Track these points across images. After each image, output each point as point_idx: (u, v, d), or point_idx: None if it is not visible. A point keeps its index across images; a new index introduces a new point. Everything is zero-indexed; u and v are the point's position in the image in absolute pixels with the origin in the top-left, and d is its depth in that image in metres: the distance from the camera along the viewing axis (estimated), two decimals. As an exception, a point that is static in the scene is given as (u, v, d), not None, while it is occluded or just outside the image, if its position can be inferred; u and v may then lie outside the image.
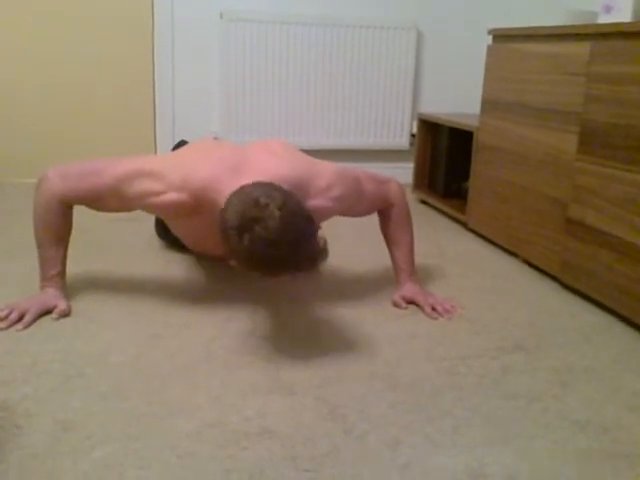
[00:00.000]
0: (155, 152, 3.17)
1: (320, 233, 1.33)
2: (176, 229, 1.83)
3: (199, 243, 1.84)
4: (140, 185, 1.52)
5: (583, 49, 1.87)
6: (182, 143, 2.39)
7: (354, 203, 1.69)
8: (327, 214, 1.64)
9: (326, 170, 1.62)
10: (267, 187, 1.33)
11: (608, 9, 1.98)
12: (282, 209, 1.26)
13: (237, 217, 1.27)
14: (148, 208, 1.57)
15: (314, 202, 1.57)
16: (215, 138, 2.75)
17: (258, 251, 1.25)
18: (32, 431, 1.12)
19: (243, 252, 1.27)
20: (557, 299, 1.91)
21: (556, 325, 1.71)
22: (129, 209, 1.60)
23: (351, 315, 1.70)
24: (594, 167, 1.83)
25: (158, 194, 1.51)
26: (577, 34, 1.94)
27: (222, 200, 1.45)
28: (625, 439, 1.20)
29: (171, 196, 1.51)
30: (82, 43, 3.01)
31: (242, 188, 1.35)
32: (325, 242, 1.34)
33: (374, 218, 1.84)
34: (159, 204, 1.53)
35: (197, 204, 1.51)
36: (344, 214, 1.73)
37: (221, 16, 3.02)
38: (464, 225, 2.66)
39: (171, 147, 2.52)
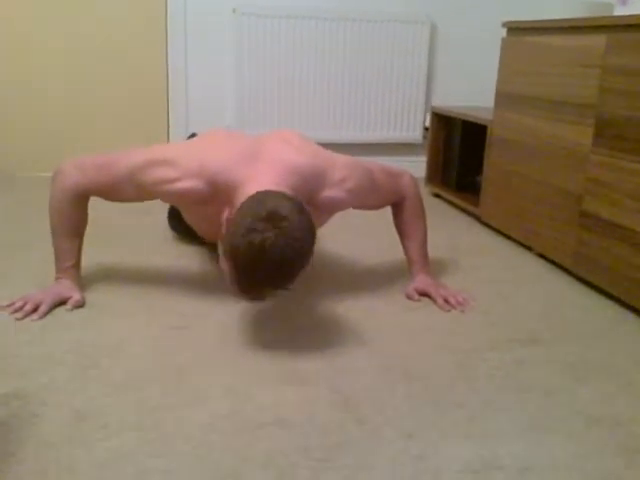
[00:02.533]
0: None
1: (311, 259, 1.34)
2: (190, 218, 1.84)
3: (213, 232, 1.84)
4: (155, 173, 1.53)
5: (598, 41, 1.86)
6: (194, 136, 2.40)
7: (367, 195, 1.69)
8: (341, 206, 1.64)
9: (340, 162, 1.62)
10: (287, 204, 1.30)
11: (624, 1, 1.97)
12: (288, 234, 1.26)
13: (245, 224, 1.27)
14: (164, 196, 1.58)
15: (328, 193, 1.58)
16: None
17: (248, 256, 1.26)
18: (48, 420, 1.14)
19: (236, 255, 1.28)
20: (571, 292, 1.90)
21: (570, 318, 1.70)
22: (145, 198, 1.61)
23: (364, 307, 1.70)
24: (609, 160, 1.81)
25: (173, 181, 1.52)
26: (592, 26, 1.93)
27: (237, 188, 1.46)
28: (639, 433, 1.19)
29: (186, 183, 1.51)
30: (96, 38, 3.02)
31: (261, 197, 1.33)
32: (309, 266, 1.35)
33: (386, 210, 1.83)
34: (175, 191, 1.53)
35: (212, 191, 1.51)
36: (357, 206, 1.73)
37: (234, 10, 3.02)
38: (477, 218, 2.65)
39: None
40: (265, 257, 1.25)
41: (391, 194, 1.76)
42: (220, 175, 1.49)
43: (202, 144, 1.62)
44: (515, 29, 2.36)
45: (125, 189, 1.58)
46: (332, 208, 1.64)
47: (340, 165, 1.61)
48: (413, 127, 3.38)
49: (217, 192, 1.50)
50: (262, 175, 1.45)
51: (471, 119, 2.69)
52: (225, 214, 1.46)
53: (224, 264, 1.37)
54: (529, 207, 2.23)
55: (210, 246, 2.09)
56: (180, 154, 1.55)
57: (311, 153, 1.59)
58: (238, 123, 3.13)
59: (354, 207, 1.71)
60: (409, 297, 1.77)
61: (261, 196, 1.33)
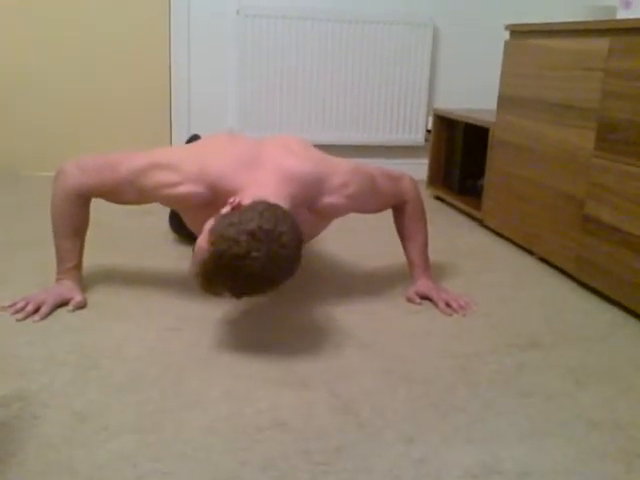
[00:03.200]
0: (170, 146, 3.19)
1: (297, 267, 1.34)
2: (191, 223, 1.84)
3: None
4: (156, 177, 1.53)
5: (601, 45, 1.86)
6: (195, 137, 2.40)
7: (368, 200, 1.69)
8: (341, 211, 1.65)
9: (341, 167, 1.62)
10: (273, 220, 1.29)
11: (627, 4, 1.97)
12: (269, 254, 1.26)
13: (222, 246, 1.26)
14: (164, 200, 1.58)
15: (329, 199, 1.58)
16: (230, 132, 2.76)
17: (217, 265, 1.27)
18: (48, 422, 1.14)
19: (205, 258, 1.29)
20: (572, 296, 1.89)
21: (571, 323, 1.70)
22: (146, 201, 1.61)
23: (365, 310, 1.70)
24: (611, 164, 1.81)
25: (174, 185, 1.52)
26: (595, 29, 1.92)
27: (237, 194, 1.46)
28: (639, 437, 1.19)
29: (187, 187, 1.51)
30: (99, 38, 3.03)
31: (247, 209, 1.33)
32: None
33: (387, 213, 1.83)
34: (175, 195, 1.53)
35: (212, 196, 1.51)
36: (358, 211, 1.73)
37: (238, 12, 3.03)
38: (479, 221, 2.65)
39: (185, 142, 2.53)
40: (243, 271, 1.26)
41: (392, 198, 1.76)
42: (220, 180, 1.49)
43: (203, 149, 1.62)
44: (518, 32, 2.36)
45: (126, 191, 1.58)
46: (333, 214, 1.64)
47: (340, 171, 1.61)
48: (415, 129, 3.38)
49: (217, 197, 1.51)
50: (262, 181, 1.46)
51: (473, 122, 2.69)
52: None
53: (199, 251, 1.34)
54: (531, 211, 2.22)
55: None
56: (181, 158, 1.55)
57: (311, 159, 1.59)
58: (240, 124, 3.13)
59: (355, 211, 1.71)
60: (410, 300, 1.77)
61: (257, 206, 1.32)
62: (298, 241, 1.33)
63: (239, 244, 1.25)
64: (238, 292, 1.32)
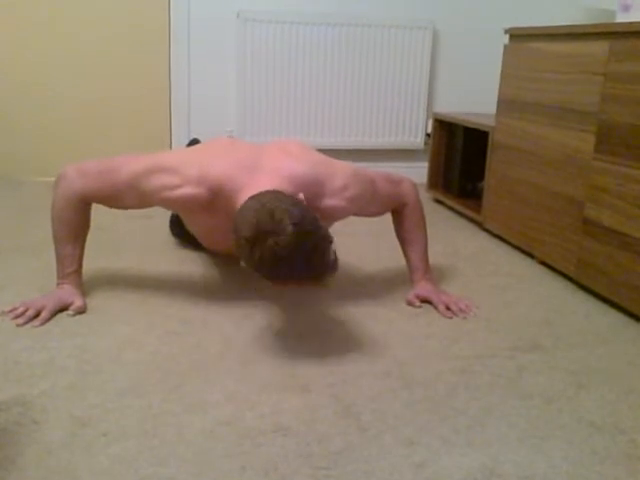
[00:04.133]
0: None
1: (332, 247, 1.34)
2: (191, 226, 1.84)
3: (214, 241, 1.85)
4: (157, 180, 1.53)
5: (601, 48, 1.86)
6: (195, 141, 2.40)
7: (368, 203, 1.69)
8: (341, 214, 1.65)
9: (341, 170, 1.62)
10: (284, 199, 1.33)
11: (626, 8, 1.97)
12: (297, 225, 1.26)
13: (251, 228, 1.27)
14: (164, 203, 1.58)
15: (329, 202, 1.58)
16: (230, 137, 2.76)
17: (267, 263, 1.27)
18: (49, 427, 1.13)
19: (253, 262, 1.29)
20: (573, 299, 1.89)
21: (572, 325, 1.70)
22: (146, 205, 1.61)
23: (365, 314, 1.70)
24: (611, 167, 1.81)
25: (174, 188, 1.52)
26: (595, 33, 1.93)
27: (237, 197, 1.46)
28: (642, 440, 1.19)
29: (187, 190, 1.52)
30: (99, 43, 3.03)
31: (260, 195, 1.35)
32: (335, 256, 1.34)
33: (387, 216, 1.83)
34: (175, 198, 1.54)
35: (213, 199, 1.52)
36: (358, 214, 1.73)
37: (237, 16, 3.03)
38: (479, 225, 2.65)
39: (185, 146, 2.53)
40: (278, 265, 1.26)
41: (392, 201, 1.76)
42: (220, 182, 1.49)
43: (203, 152, 1.63)
44: (517, 35, 2.37)
45: (127, 195, 1.58)
46: (333, 217, 1.64)
47: (340, 174, 1.61)
48: (415, 133, 3.39)
49: (217, 200, 1.51)
50: (261, 184, 1.46)
51: (473, 125, 2.69)
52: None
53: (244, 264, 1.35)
54: (531, 214, 2.22)
55: (212, 252, 2.09)
56: (181, 161, 1.56)
57: (311, 162, 1.60)
58: (240, 128, 3.14)
59: (355, 215, 1.71)
60: (410, 303, 1.77)
61: (254, 203, 1.34)
62: (299, 202, 1.36)
63: (281, 225, 1.26)
64: (311, 269, 1.31)
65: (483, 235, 2.55)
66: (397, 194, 1.77)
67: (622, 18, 1.97)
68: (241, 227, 1.30)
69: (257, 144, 1.69)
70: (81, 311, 1.61)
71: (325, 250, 1.31)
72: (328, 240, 1.33)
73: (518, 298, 1.88)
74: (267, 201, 1.31)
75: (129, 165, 1.57)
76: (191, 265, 2.02)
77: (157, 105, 3.17)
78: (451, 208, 2.96)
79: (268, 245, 1.25)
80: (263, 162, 1.54)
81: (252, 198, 1.35)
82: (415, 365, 1.44)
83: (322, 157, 1.66)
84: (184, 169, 1.53)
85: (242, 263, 1.37)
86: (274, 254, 1.25)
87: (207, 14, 3.07)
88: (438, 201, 3.09)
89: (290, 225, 1.25)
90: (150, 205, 1.60)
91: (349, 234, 2.38)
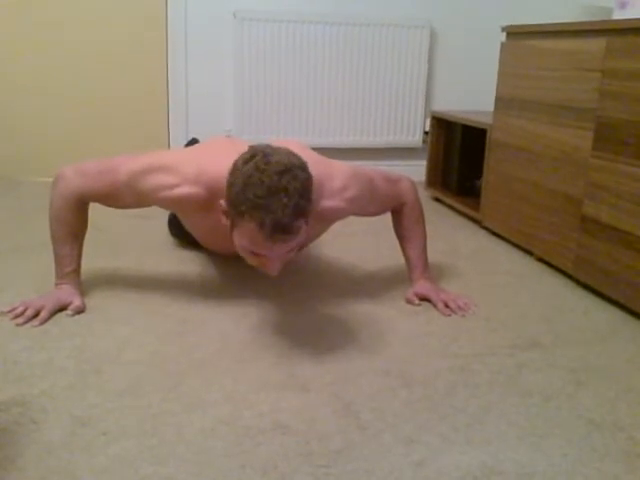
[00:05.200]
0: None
1: (303, 222, 1.33)
2: (190, 226, 1.84)
3: (212, 240, 1.85)
4: (154, 179, 1.53)
5: (598, 45, 1.86)
6: (193, 141, 2.40)
7: (367, 203, 1.69)
8: (341, 215, 1.65)
9: (340, 171, 1.62)
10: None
11: (623, 5, 1.97)
12: (288, 156, 1.32)
13: (244, 154, 1.34)
14: (162, 202, 1.58)
15: (328, 203, 1.58)
16: (228, 136, 2.76)
17: (245, 176, 1.29)
18: (49, 427, 1.13)
19: (241, 180, 1.30)
20: (572, 296, 1.90)
21: (571, 323, 1.70)
22: (144, 204, 1.61)
23: (364, 312, 1.70)
24: (609, 164, 1.81)
25: (172, 187, 1.52)
26: (592, 30, 1.93)
27: None
28: (641, 437, 1.19)
29: (185, 189, 1.52)
30: (96, 43, 3.03)
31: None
32: (302, 228, 1.34)
33: (386, 215, 1.83)
34: (173, 198, 1.53)
35: (210, 198, 1.51)
36: (357, 214, 1.73)
37: (234, 15, 3.03)
38: (478, 222, 2.65)
39: (184, 145, 2.53)
40: (269, 175, 1.28)
41: (391, 200, 1.77)
42: (217, 182, 1.49)
43: (201, 151, 1.63)
44: (514, 33, 2.37)
45: (124, 195, 1.58)
46: (332, 217, 1.64)
47: (339, 174, 1.61)
48: (413, 131, 3.39)
49: (215, 199, 1.51)
50: None
51: (471, 123, 2.69)
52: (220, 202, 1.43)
53: (241, 232, 1.34)
54: (529, 211, 2.23)
55: (210, 252, 2.09)
56: (179, 161, 1.55)
57: (310, 162, 1.59)
58: (238, 128, 3.13)
59: (354, 215, 1.71)
60: (409, 302, 1.77)
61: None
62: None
63: (249, 177, 1.29)
64: (290, 193, 1.29)
65: (482, 233, 2.55)
66: (396, 193, 1.77)
67: (619, 15, 1.97)
68: (234, 166, 1.35)
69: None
70: (80, 311, 1.61)
71: (308, 189, 1.33)
72: (305, 208, 1.32)
73: (517, 296, 1.88)
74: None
75: (127, 165, 1.57)
76: (190, 265, 2.02)
77: (155, 105, 3.16)
78: (450, 206, 2.96)
79: (257, 160, 1.30)
80: None
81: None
82: (414, 363, 1.44)
83: (320, 158, 1.66)
84: (182, 168, 1.53)
85: (221, 202, 1.39)
86: (256, 168, 1.28)
87: (204, 14, 3.07)
88: (437, 199, 3.09)
89: (282, 158, 1.31)
90: (148, 205, 1.60)
91: (348, 233, 2.38)
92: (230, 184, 1.33)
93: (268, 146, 1.36)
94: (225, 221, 1.40)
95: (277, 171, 1.28)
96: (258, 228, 1.28)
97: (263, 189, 1.27)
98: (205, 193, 1.51)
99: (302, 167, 1.34)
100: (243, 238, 1.34)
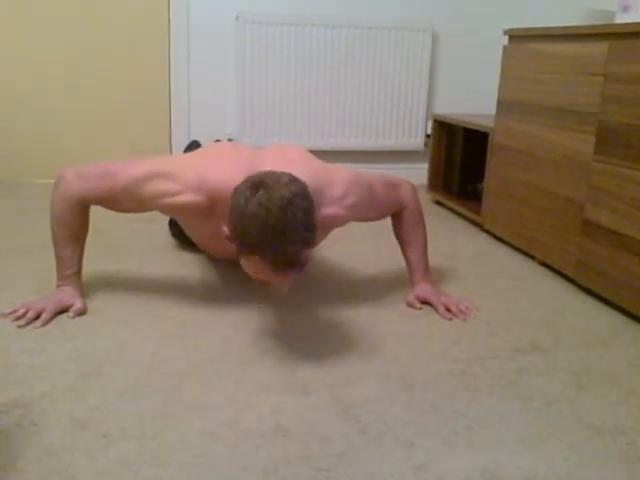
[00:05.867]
0: (170, 154, 3.19)
1: (308, 251, 1.33)
2: (190, 232, 1.84)
3: (212, 246, 1.85)
4: (156, 186, 1.53)
5: (600, 49, 1.86)
6: (194, 143, 2.40)
7: (367, 209, 1.69)
8: (341, 222, 1.65)
9: (340, 178, 1.62)
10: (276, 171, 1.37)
11: (625, 8, 1.97)
12: (292, 194, 1.29)
13: (250, 183, 1.32)
14: (163, 209, 1.58)
15: (328, 211, 1.57)
16: (229, 140, 2.76)
17: (248, 215, 1.27)
18: (49, 428, 1.13)
19: (236, 213, 1.30)
20: (573, 300, 1.89)
21: (572, 326, 1.70)
22: (145, 210, 1.61)
23: (365, 315, 1.70)
24: (611, 168, 1.81)
25: (173, 195, 1.52)
26: (594, 34, 1.93)
27: None
28: (642, 442, 1.19)
29: (186, 197, 1.52)
30: (98, 45, 3.03)
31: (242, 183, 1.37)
32: (307, 259, 1.34)
33: (387, 219, 1.83)
34: (174, 205, 1.53)
35: (211, 205, 1.51)
36: (358, 220, 1.73)
37: (237, 18, 3.03)
38: (479, 226, 2.65)
39: (184, 148, 2.53)
40: (274, 213, 1.26)
41: (391, 205, 1.76)
42: (219, 189, 1.49)
43: (202, 158, 1.62)
44: (517, 37, 2.37)
45: (125, 200, 1.58)
46: (332, 225, 1.64)
47: (340, 181, 1.60)
48: (415, 134, 3.39)
49: (216, 206, 1.51)
50: None
51: (473, 126, 2.69)
52: (223, 229, 1.43)
53: (249, 263, 1.34)
54: (531, 215, 2.23)
55: (211, 257, 2.09)
56: (180, 167, 1.55)
57: (310, 170, 1.58)
58: (240, 131, 3.14)
59: (354, 221, 1.71)
60: (410, 305, 1.77)
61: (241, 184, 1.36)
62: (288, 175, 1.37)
63: (264, 205, 1.27)
64: (298, 227, 1.29)
65: (483, 236, 2.55)
66: (396, 198, 1.77)
67: (621, 19, 1.97)
68: (236, 197, 1.32)
69: (257, 149, 1.69)
70: (81, 313, 1.61)
71: (312, 215, 1.33)
72: (312, 232, 1.32)
73: (518, 299, 1.88)
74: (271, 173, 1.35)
75: (128, 170, 1.57)
76: (191, 267, 2.02)
77: (157, 108, 3.17)
78: (451, 209, 2.96)
79: (259, 196, 1.27)
80: (262, 168, 1.53)
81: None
82: (415, 367, 1.44)
83: (321, 164, 1.65)
84: (183, 175, 1.53)
85: (224, 229, 1.38)
86: (259, 206, 1.27)
87: (207, 16, 3.07)
88: (438, 202, 3.09)
89: (287, 189, 1.29)
90: (149, 209, 1.60)
91: (348, 236, 2.38)
92: (234, 221, 1.32)
93: (268, 175, 1.34)
94: (229, 245, 1.40)
95: (281, 206, 1.26)
96: (268, 265, 1.29)
97: (269, 230, 1.26)
98: (206, 200, 1.51)
99: (303, 194, 1.32)
100: (251, 268, 1.35)
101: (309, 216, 1.31)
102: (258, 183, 1.31)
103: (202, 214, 1.54)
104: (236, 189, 1.35)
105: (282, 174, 1.35)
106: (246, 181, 1.34)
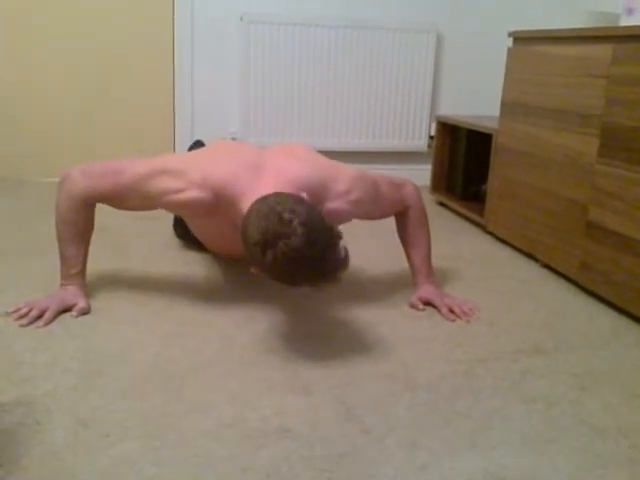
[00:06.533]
0: (174, 152, 3.19)
1: (342, 243, 1.33)
2: (195, 229, 1.84)
3: (217, 243, 1.85)
4: (161, 183, 1.54)
5: (605, 51, 1.86)
6: (198, 142, 2.40)
7: (371, 207, 1.69)
8: (344, 218, 1.65)
9: (345, 174, 1.62)
10: (291, 200, 1.32)
11: (630, 11, 1.97)
12: (305, 225, 1.26)
13: (260, 232, 1.27)
14: (168, 206, 1.59)
15: (332, 205, 1.58)
16: (233, 139, 2.76)
17: (280, 266, 1.27)
18: (52, 427, 1.14)
19: (266, 266, 1.29)
20: (576, 302, 1.89)
21: (575, 328, 1.70)
22: (150, 207, 1.61)
23: (368, 316, 1.70)
24: (614, 170, 1.81)
25: (178, 192, 1.53)
26: (599, 36, 1.93)
27: (241, 200, 1.46)
28: (644, 444, 1.19)
29: (191, 194, 1.52)
30: (103, 45, 3.04)
31: (265, 199, 1.34)
32: (346, 252, 1.33)
33: (390, 219, 1.83)
34: (179, 202, 1.54)
35: (216, 202, 1.52)
36: (361, 217, 1.73)
37: (241, 18, 3.03)
38: (482, 228, 2.64)
39: (188, 147, 2.53)
40: (291, 266, 1.26)
41: (395, 204, 1.76)
42: (224, 186, 1.49)
43: (207, 155, 1.63)
44: (521, 39, 2.37)
45: (130, 197, 1.58)
46: (336, 220, 1.64)
47: (344, 177, 1.61)
48: (418, 136, 3.39)
49: (221, 203, 1.51)
50: (265, 187, 1.46)
51: (476, 128, 2.69)
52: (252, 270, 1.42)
53: (254, 270, 1.36)
54: (534, 217, 2.22)
55: (215, 254, 2.09)
56: (185, 165, 1.56)
57: (315, 165, 1.60)
58: (244, 131, 3.14)
59: (358, 218, 1.71)
60: (413, 306, 1.77)
61: (261, 207, 1.33)
62: (308, 203, 1.36)
63: (293, 230, 1.25)
64: (320, 270, 1.30)
65: (486, 238, 2.54)
66: (400, 197, 1.77)
67: (626, 21, 1.97)
68: (250, 233, 1.29)
69: (261, 147, 1.69)
70: (85, 312, 1.62)
71: (336, 246, 1.31)
72: (337, 236, 1.32)
73: (521, 301, 1.87)
74: (273, 204, 1.30)
75: (133, 167, 1.57)
76: (195, 267, 2.02)
77: (161, 107, 3.17)
78: (454, 211, 2.96)
79: (279, 248, 1.24)
80: (267, 165, 1.54)
81: (257, 202, 1.34)
82: (418, 368, 1.44)
83: (326, 160, 1.66)
84: (188, 172, 1.53)
85: (253, 270, 1.36)
86: (286, 257, 1.24)
87: (211, 17, 3.08)
88: (441, 204, 3.09)
89: (299, 226, 1.25)
90: (154, 207, 1.61)
91: (351, 237, 2.37)
92: (262, 269, 1.32)
93: (280, 215, 1.27)
94: (235, 244, 1.40)
95: (304, 252, 1.25)
96: (319, 284, 1.33)
97: (305, 270, 1.28)
98: (211, 197, 1.51)
99: (308, 212, 1.29)
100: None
101: (329, 235, 1.30)
102: (270, 239, 1.26)
103: (207, 211, 1.55)
104: (246, 236, 1.32)
105: (289, 200, 1.31)
106: (262, 220, 1.29)
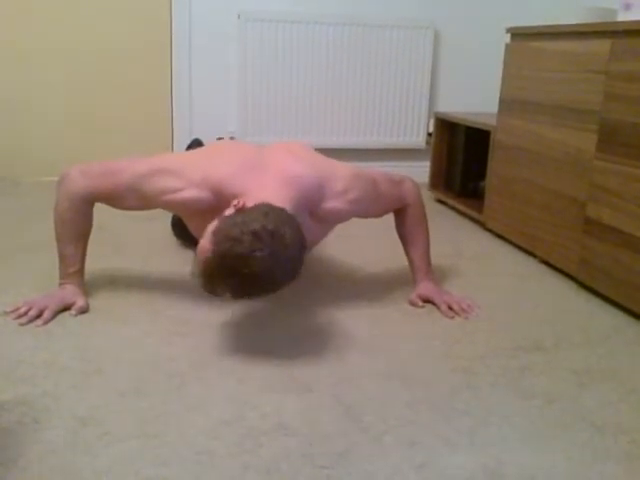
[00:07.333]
0: (172, 152, 3.19)
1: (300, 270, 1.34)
2: (194, 228, 1.84)
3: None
4: (160, 182, 1.54)
5: (603, 47, 1.86)
6: (196, 141, 2.40)
7: (370, 205, 1.69)
8: (343, 217, 1.65)
9: (343, 172, 1.62)
10: (276, 221, 1.30)
11: (628, 6, 1.97)
12: (272, 254, 1.26)
13: (225, 246, 1.26)
14: (168, 205, 1.58)
15: (331, 204, 1.58)
16: (232, 138, 2.76)
17: (212, 264, 1.27)
18: (51, 426, 1.14)
19: (204, 259, 1.29)
20: (575, 299, 1.89)
21: (574, 325, 1.70)
22: (149, 207, 1.61)
23: (367, 313, 1.70)
24: (613, 166, 1.81)
25: (177, 191, 1.52)
26: (597, 32, 1.92)
27: (239, 198, 1.46)
28: (644, 440, 1.19)
29: (190, 193, 1.52)
30: (100, 43, 3.03)
31: (251, 210, 1.33)
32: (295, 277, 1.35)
33: (389, 217, 1.83)
34: (178, 201, 1.54)
35: (215, 201, 1.51)
36: (360, 216, 1.73)
37: (239, 16, 3.03)
38: (481, 224, 2.64)
39: (186, 146, 2.53)
40: (245, 271, 1.25)
41: (394, 202, 1.76)
42: (223, 185, 1.49)
43: (206, 154, 1.63)
44: (519, 34, 2.36)
45: (129, 197, 1.58)
46: (335, 219, 1.64)
47: (343, 176, 1.61)
48: (416, 133, 3.38)
49: (220, 202, 1.51)
50: (264, 186, 1.46)
51: (474, 125, 2.69)
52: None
53: (202, 252, 1.34)
54: (533, 213, 2.22)
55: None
56: (184, 164, 1.56)
57: (314, 164, 1.60)
58: (242, 130, 3.14)
59: (357, 216, 1.71)
60: (412, 304, 1.77)
61: (260, 208, 1.33)
62: (301, 244, 1.33)
63: (242, 243, 1.25)
64: (239, 292, 1.31)
65: (485, 235, 2.54)
66: (399, 194, 1.77)
67: (624, 17, 1.97)
68: (218, 240, 1.29)
69: (260, 146, 1.69)
70: (83, 311, 1.62)
71: (292, 276, 1.33)
72: (299, 265, 1.33)
73: (520, 298, 1.87)
74: (252, 219, 1.29)
75: (132, 167, 1.57)
76: (192, 263, 2.02)
77: (159, 106, 3.17)
78: (453, 208, 2.96)
79: (223, 247, 1.25)
80: (266, 164, 1.54)
81: (239, 211, 1.35)
82: (417, 365, 1.43)
83: (324, 159, 1.66)
84: (187, 172, 1.53)
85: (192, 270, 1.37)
86: (223, 258, 1.26)
87: (208, 15, 3.07)
88: (440, 201, 3.09)
89: (265, 256, 1.25)
90: (153, 207, 1.61)
91: (350, 235, 2.38)
92: (203, 250, 1.33)
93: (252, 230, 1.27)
94: None
95: (240, 261, 1.25)
96: None
97: (226, 280, 1.29)
98: (210, 197, 1.51)
99: (286, 245, 1.29)
100: None
101: (288, 258, 1.30)
102: (223, 239, 1.27)
103: (206, 210, 1.54)
104: (242, 214, 1.32)
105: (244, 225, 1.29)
106: (254, 217, 1.30)
